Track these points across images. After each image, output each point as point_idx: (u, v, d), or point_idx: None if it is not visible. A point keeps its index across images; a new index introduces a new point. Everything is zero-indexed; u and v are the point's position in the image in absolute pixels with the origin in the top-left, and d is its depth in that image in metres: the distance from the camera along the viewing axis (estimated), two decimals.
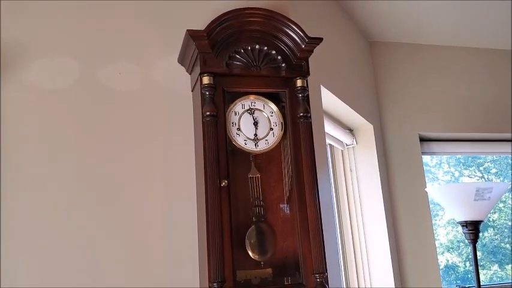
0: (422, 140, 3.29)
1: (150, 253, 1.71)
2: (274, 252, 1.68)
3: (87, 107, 1.76)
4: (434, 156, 3.65)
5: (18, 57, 1.71)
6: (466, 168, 3.96)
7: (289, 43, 1.71)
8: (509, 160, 3.85)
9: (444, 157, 3.80)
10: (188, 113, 1.79)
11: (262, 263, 1.65)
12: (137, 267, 1.68)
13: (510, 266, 3.67)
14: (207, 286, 1.49)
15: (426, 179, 3.20)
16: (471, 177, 3.95)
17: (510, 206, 3.83)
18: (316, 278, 1.57)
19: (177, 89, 1.84)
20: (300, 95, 1.70)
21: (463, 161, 3.91)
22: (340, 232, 2.89)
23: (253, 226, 1.67)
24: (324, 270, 1.57)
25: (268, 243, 1.68)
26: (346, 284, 2.80)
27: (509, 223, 3.79)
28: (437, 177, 3.82)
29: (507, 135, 3.46)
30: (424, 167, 3.21)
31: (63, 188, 1.67)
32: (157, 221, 1.73)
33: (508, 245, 3.75)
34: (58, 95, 1.73)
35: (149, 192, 1.75)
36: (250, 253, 1.64)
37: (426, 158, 3.60)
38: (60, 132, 1.71)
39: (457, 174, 3.91)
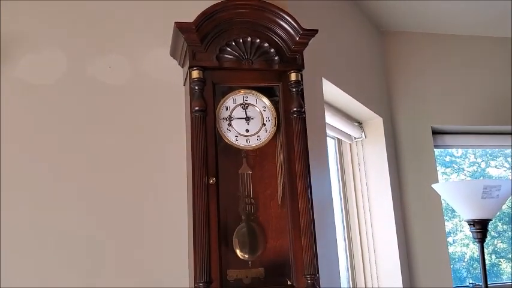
0: (435, 132, 3.17)
1: (142, 252, 1.67)
2: (263, 252, 1.63)
3: (77, 102, 1.72)
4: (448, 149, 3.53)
5: (6, 53, 1.68)
6: (493, 159, 3.78)
7: (283, 35, 1.64)
8: None
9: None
10: (182, 107, 1.74)
11: (250, 262, 1.61)
12: (128, 266, 1.65)
13: None
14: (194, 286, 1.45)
15: (451, 170, 3.09)
16: (498, 168, 3.76)
17: None
18: (307, 279, 1.51)
19: (170, 83, 1.79)
20: (294, 89, 1.63)
21: (489, 151, 3.74)
22: (347, 229, 2.82)
23: (242, 224, 1.63)
24: (315, 272, 1.51)
25: (257, 242, 1.63)
26: (353, 283, 2.74)
27: None
28: (462, 169, 3.68)
29: None
30: (439, 159, 3.10)
31: (52, 184, 1.65)
32: (149, 218, 1.70)
33: None
34: (47, 89, 1.70)
35: (141, 188, 1.72)
36: (238, 252, 1.60)
37: (451, 149, 3.49)
38: (50, 127, 1.69)
39: (483, 165, 3.75)
